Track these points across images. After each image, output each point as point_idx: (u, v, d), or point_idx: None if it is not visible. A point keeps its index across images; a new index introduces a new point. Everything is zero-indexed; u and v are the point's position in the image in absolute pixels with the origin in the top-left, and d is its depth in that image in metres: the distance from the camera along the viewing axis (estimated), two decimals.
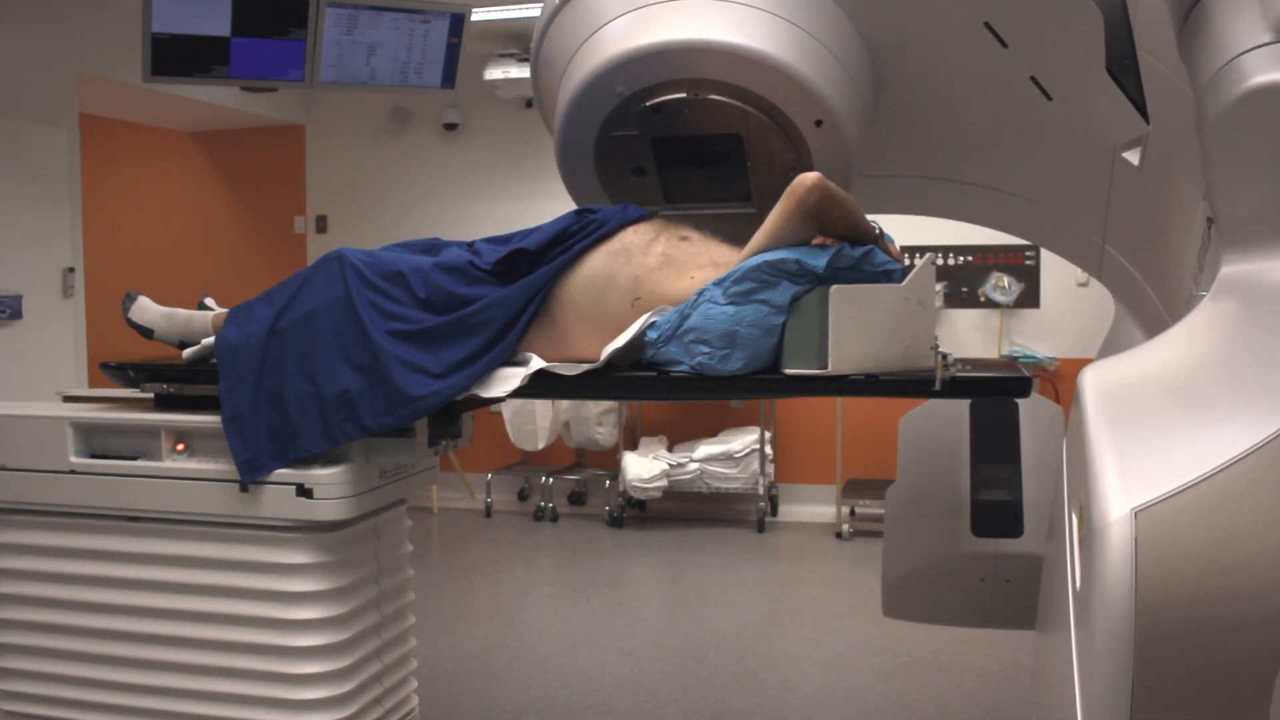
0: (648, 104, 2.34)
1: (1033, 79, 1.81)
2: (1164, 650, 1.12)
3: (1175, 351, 1.49)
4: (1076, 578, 1.35)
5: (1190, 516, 1.18)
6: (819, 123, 2.30)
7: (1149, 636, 1.12)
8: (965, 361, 2.21)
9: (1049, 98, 1.84)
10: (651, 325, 2.17)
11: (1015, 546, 2.51)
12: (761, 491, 6.09)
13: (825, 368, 2.03)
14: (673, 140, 2.40)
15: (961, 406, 2.70)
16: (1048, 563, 1.76)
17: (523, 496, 6.84)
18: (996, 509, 2.55)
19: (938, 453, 2.68)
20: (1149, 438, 1.31)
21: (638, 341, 2.16)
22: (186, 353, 2.40)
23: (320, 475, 2.20)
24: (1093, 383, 1.42)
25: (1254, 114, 1.54)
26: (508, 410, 6.26)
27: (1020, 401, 2.65)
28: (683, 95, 2.32)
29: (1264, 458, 1.19)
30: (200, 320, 2.48)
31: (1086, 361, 1.58)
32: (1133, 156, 2.23)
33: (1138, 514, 1.18)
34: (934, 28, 2.37)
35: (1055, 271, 5.87)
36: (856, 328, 2.00)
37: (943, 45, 2.37)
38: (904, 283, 2.04)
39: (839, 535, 5.89)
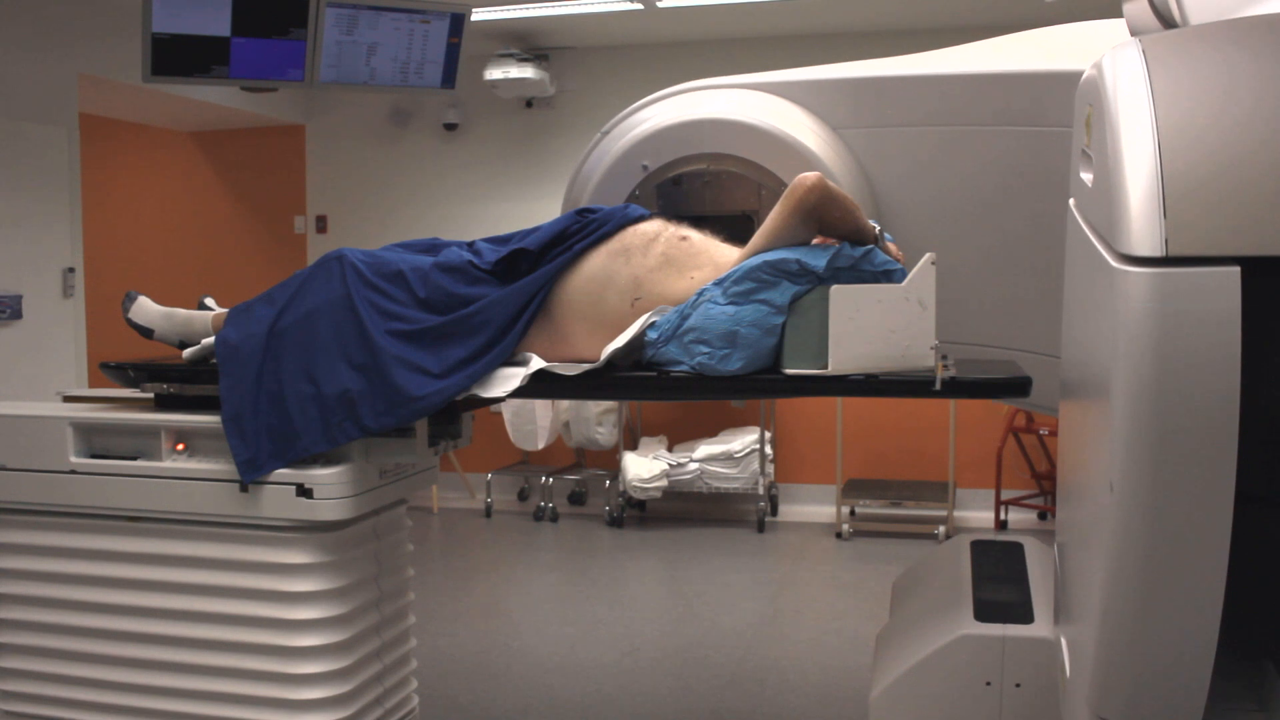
0: (670, 175, 2.59)
1: None
2: (1191, 185, 1.08)
3: None
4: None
5: (1198, 47, 1.17)
6: None
7: (1173, 167, 1.08)
8: (965, 362, 2.22)
9: None
10: (651, 325, 2.17)
11: (1026, 632, 2.16)
12: (761, 491, 6.09)
13: (825, 368, 2.03)
14: (689, 220, 2.51)
15: (961, 553, 2.61)
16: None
17: (523, 496, 6.84)
18: (1003, 598, 2.27)
19: (937, 586, 2.53)
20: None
21: (638, 341, 2.16)
22: (186, 353, 2.40)
23: (320, 475, 2.21)
24: None
25: None
26: (508, 410, 6.25)
27: (1024, 544, 2.62)
28: (704, 167, 2.57)
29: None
30: (200, 320, 2.49)
31: None
32: None
33: (1144, 48, 1.18)
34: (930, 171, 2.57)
35: None
36: (856, 328, 2.01)
37: (940, 193, 2.58)
38: (904, 283, 2.04)
39: (839, 535, 5.89)
